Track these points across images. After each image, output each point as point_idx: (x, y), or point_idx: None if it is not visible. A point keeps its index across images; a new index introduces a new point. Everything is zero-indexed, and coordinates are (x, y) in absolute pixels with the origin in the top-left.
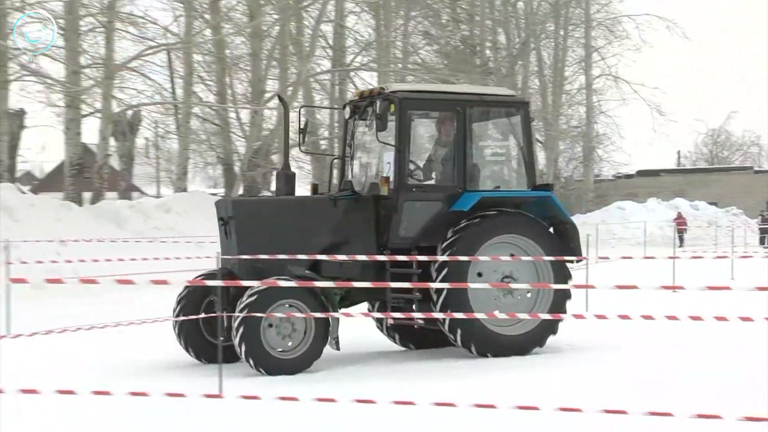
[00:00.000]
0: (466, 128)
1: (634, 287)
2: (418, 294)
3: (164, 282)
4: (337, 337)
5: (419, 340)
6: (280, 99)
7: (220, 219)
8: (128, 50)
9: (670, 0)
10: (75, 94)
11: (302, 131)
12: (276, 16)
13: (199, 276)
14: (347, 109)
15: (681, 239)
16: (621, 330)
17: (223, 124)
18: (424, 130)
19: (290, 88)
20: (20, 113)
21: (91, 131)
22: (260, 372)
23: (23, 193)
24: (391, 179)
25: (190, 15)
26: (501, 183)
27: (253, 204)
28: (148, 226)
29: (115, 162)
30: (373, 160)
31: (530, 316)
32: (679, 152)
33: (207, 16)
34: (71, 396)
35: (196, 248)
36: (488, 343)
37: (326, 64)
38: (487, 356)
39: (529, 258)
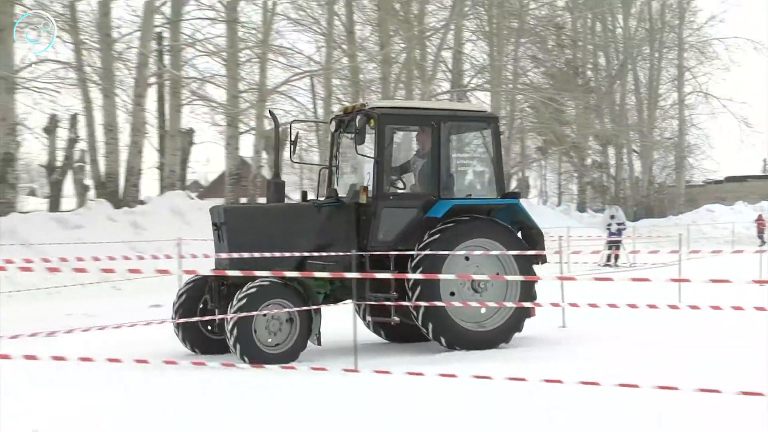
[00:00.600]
0: (441, 141)
1: (727, 281)
2: (394, 293)
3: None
4: (319, 333)
5: (401, 335)
6: (271, 114)
7: (213, 224)
8: (278, 77)
9: (758, 24)
10: (234, 114)
11: (293, 143)
12: (403, 45)
13: (192, 280)
14: (333, 123)
15: (761, 238)
16: (714, 319)
17: None
18: (402, 143)
19: None
20: (190, 132)
21: (246, 146)
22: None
23: (192, 198)
24: (370, 188)
25: (330, 46)
26: (473, 191)
27: (242, 210)
28: None
29: (266, 172)
30: (356, 169)
31: (515, 304)
32: (765, 160)
33: (344, 46)
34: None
35: None
36: (457, 337)
37: (446, 86)
38: (455, 349)
39: (496, 253)
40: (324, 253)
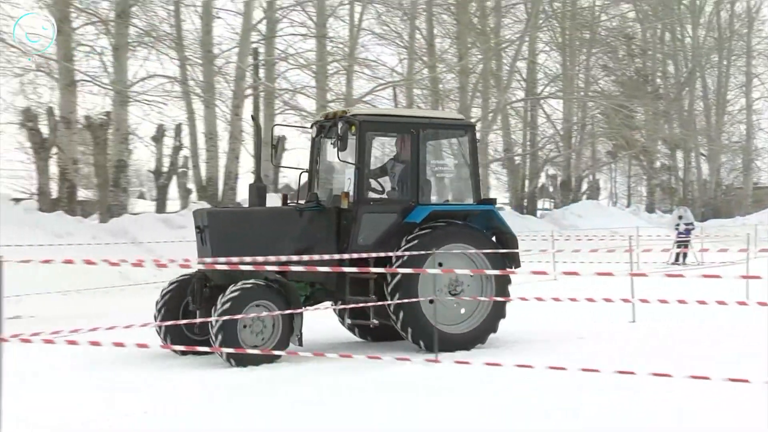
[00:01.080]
0: (419, 148)
1: None
2: (373, 296)
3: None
4: (301, 334)
5: (376, 334)
6: (253, 119)
7: (197, 227)
8: (363, 87)
9: None
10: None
11: (274, 147)
12: (480, 56)
13: (176, 280)
14: (314, 128)
15: None
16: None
17: None
18: (381, 149)
19: (490, 114)
20: (282, 139)
21: (332, 151)
22: (231, 364)
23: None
24: (351, 193)
25: (412, 57)
26: (450, 197)
27: (225, 214)
28: None
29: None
30: (337, 174)
31: (490, 299)
32: None
33: (425, 58)
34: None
35: None
36: (435, 340)
37: (520, 94)
38: (432, 351)
39: (472, 251)
40: (306, 257)
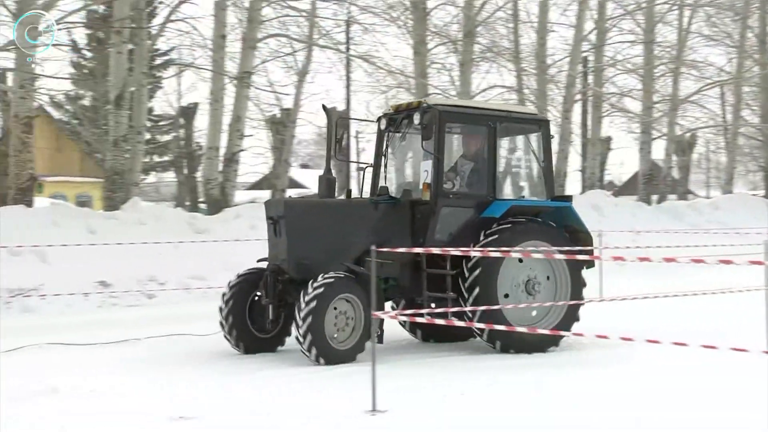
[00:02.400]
0: (496, 141)
1: None
2: (451, 293)
3: (729, 262)
4: (382, 332)
5: (440, 334)
6: (324, 109)
7: (269, 218)
8: (689, 87)
9: None
10: (648, 123)
11: (338, 141)
12: None
13: (245, 273)
14: (382, 121)
15: None
16: None
17: (765, 139)
18: (456, 142)
19: None
20: (608, 139)
21: (658, 150)
22: (318, 363)
23: (608, 196)
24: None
25: (741, 56)
26: (524, 193)
27: (302, 205)
28: (702, 220)
29: (675, 172)
30: (407, 168)
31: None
32: None
33: (756, 56)
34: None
35: (740, 237)
36: (512, 341)
37: None
38: (510, 353)
39: (556, 250)
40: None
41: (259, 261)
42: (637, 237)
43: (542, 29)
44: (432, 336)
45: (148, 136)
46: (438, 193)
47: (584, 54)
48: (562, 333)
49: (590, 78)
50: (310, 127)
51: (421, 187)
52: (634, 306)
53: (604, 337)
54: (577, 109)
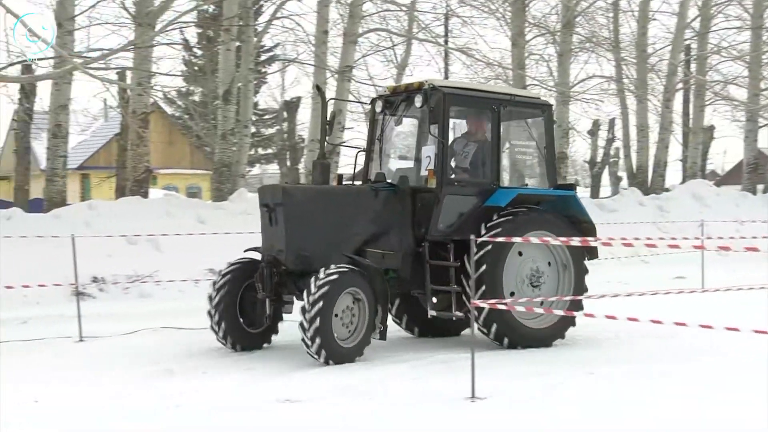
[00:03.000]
0: (500, 126)
1: None
2: (455, 286)
3: None
4: (385, 327)
5: (437, 330)
6: (318, 89)
7: (264, 206)
8: None
9: None
10: (755, 110)
11: (329, 123)
12: None
13: (236, 263)
14: (378, 103)
15: None
16: None
17: None
18: (458, 126)
19: None
20: (711, 128)
21: (764, 138)
22: (328, 364)
23: (710, 186)
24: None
25: None
26: (527, 181)
27: (301, 192)
28: None
29: None
30: (403, 153)
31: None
32: None
33: None
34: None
35: None
36: (520, 337)
37: None
38: (516, 348)
39: (559, 241)
40: (384, 240)
41: (246, 251)
42: (741, 227)
43: (643, 18)
44: (429, 332)
45: (253, 129)
46: (444, 181)
47: (687, 42)
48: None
49: (693, 66)
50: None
51: (424, 173)
52: (736, 297)
53: (683, 324)
54: (678, 98)
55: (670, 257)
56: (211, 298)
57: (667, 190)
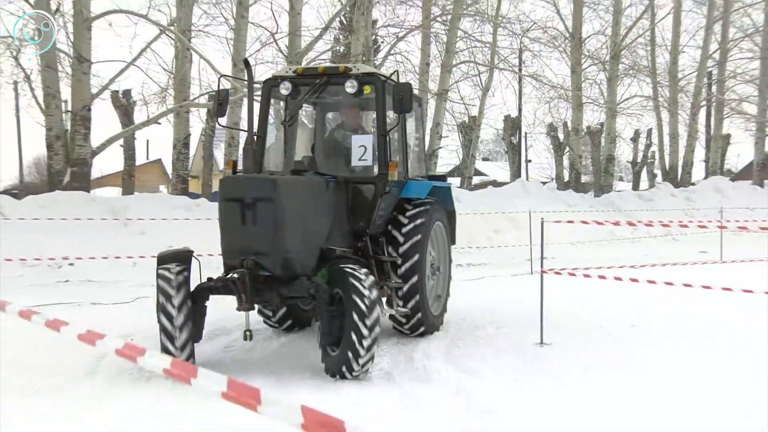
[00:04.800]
0: (405, 116)
1: None
2: (398, 280)
3: None
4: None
5: (280, 321)
6: (246, 65)
7: (233, 200)
8: None
9: None
10: (762, 122)
11: (220, 103)
12: None
13: (180, 265)
14: (285, 84)
15: None
16: None
17: None
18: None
19: None
20: (727, 136)
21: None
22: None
23: (727, 181)
24: (375, 164)
25: None
26: (415, 171)
27: (289, 184)
28: None
29: None
30: (299, 139)
31: None
32: None
33: None
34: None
35: None
36: (428, 324)
37: None
38: (426, 336)
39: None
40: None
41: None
42: (752, 213)
43: (674, 50)
44: (277, 322)
45: None
46: (383, 173)
47: (709, 69)
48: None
49: (714, 88)
50: (490, 130)
51: (357, 163)
52: (754, 267)
53: (729, 289)
54: (702, 112)
55: (695, 237)
56: (169, 316)
57: (693, 184)
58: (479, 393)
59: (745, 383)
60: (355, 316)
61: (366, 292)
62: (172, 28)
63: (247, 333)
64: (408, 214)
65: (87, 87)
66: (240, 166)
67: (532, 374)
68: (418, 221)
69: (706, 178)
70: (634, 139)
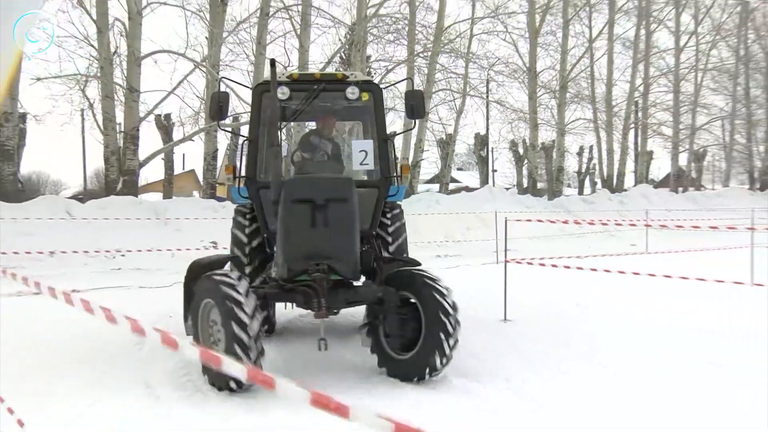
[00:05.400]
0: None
1: None
2: None
3: (732, 228)
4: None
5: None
6: (272, 63)
7: (305, 202)
8: (702, 120)
9: None
10: (676, 142)
11: (220, 105)
12: None
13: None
14: (283, 89)
15: None
16: None
17: (748, 153)
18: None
19: None
20: (650, 152)
21: (683, 159)
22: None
23: (651, 188)
24: (377, 169)
25: (735, 101)
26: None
27: (354, 184)
28: (710, 204)
29: (693, 173)
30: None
31: None
32: None
33: (743, 101)
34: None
35: (731, 213)
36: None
37: None
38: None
39: None
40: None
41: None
42: (669, 214)
43: (609, 83)
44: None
45: None
46: (387, 178)
47: (636, 99)
48: None
49: (640, 114)
50: (463, 145)
51: (358, 167)
52: (673, 256)
53: (653, 275)
54: (631, 133)
55: (627, 233)
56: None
57: (625, 190)
58: (453, 361)
59: (651, 341)
60: (441, 316)
61: (446, 291)
62: (204, 63)
63: (322, 342)
64: (389, 215)
65: (136, 112)
66: (243, 172)
67: (497, 344)
68: (399, 222)
69: (635, 185)
70: (579, 154)
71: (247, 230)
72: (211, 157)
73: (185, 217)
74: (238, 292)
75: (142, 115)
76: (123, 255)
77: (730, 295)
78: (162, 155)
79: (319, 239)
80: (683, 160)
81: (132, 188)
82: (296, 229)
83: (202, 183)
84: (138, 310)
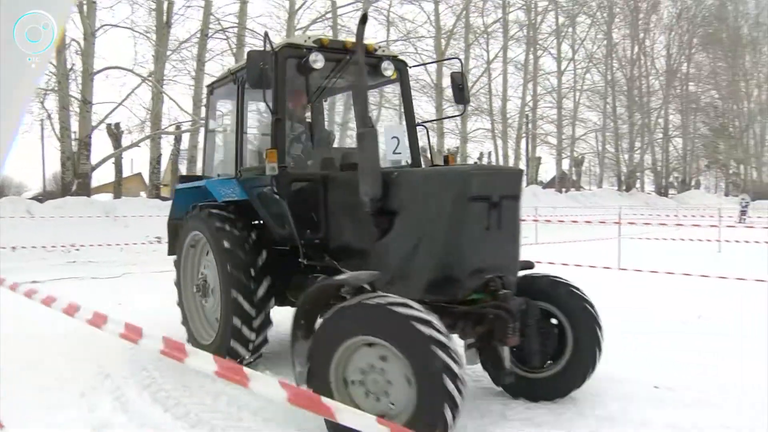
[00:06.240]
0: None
1: None
2: None
3: (603, 222)
4: None
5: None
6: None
7: (483, 199)
8: (580, 132)
9: None
10: (560, 150)
11: (262, 68)
12: None
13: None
14: (318, 56)
15: None
16: None
17: (617, 160)
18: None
19: None
20: (539, 158)
21: (565, 163)
22: None
23: (540, 188)
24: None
25: (606, 116)
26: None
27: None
28: (587, 202)
29: (573, 176)
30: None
31: None
32: None
33: (612, 117)
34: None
35: (603, 209)
36: None
37: None
38: None
39: None
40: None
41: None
42: (554, 210)
43: (504, 98)
44: None
45: None
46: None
47: (527, 112)
48: None
49: (530, 125)
50: None
51: (393, 157)
52: (557, 246)
53: (540, 262)
54: (523, 141)
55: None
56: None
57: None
58: None
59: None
60: (597, 330)
61: (593, 302)
62: (150, 78)
63: (508, 375)
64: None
65: (89, 121)
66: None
67: None
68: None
69: (527, 186)
70: (480, 159)
71: (247, 245)
72: (155, 161)
73: (132, 215)
74: (440, 332)
75: (94, 124)
76: (77, 249)
77: (600, 279)
78: (112, 160)
79: (493, 246)
80: (566, 165)
81: (85, 189)
82: (472, 234)
83: (147, 184)
84: (91, 298)
